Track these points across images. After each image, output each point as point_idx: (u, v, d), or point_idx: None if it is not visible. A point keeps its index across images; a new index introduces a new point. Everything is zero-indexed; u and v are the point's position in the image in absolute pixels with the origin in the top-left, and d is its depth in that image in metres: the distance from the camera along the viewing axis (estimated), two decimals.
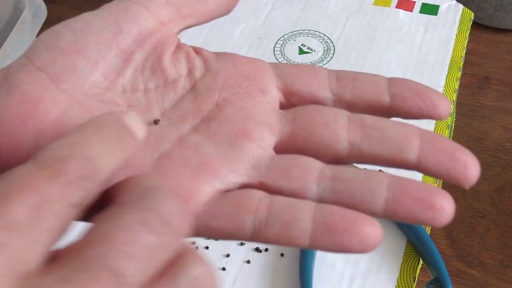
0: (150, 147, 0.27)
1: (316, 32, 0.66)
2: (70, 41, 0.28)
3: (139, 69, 0.29)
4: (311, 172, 0.25)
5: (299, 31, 0.66)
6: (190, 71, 0.30)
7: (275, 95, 0.29)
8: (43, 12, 0.61)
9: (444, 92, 0.59)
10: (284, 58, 0.64)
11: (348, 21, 0.67)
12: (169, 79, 0.29)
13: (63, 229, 0.21)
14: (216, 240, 0.51)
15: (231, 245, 0.51)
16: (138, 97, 0.29)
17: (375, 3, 0.69)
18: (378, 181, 0.25)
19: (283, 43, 0.65)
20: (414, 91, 0.27)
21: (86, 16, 0.29)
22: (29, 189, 0.20)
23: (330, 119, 0.27)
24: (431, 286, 0.47)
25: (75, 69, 0.28)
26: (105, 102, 0.28)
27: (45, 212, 0.20)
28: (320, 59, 0.63)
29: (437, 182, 0.55)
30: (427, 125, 0.57)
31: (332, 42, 0.65)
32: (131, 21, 0.29)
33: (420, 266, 0.49)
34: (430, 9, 0.68)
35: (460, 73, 0.62)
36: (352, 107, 0.28)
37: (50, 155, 0.21)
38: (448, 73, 0.61)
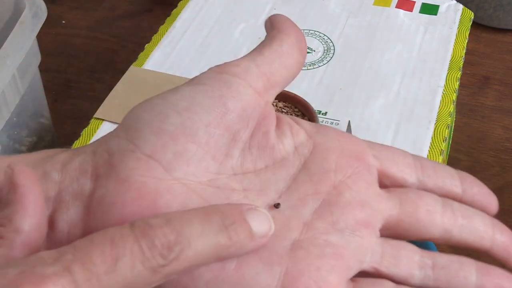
0: (278, 235, 0.26)
1: (316, 32, 0.66)
2: (177, 124, 0.26)
3: (246, 148, 0.28)
4: (415, 260, 0.28)
5: None
6: (297, 148, 0.29)
7: (376, 176, 0.30)
8: (43, 12, 0.61)
9: (444, 92, 0.59)
10: None
11: (348, 21, 0.67)
12: (278, 158, 0.28)
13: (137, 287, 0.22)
14: None
15: None
16: (250, 178, 0.28)
17: (375, 3, 0.69)
18: (469, 269, 0.29)
19: None
20: (478, 188, 0.31)
21: (187, 92, 0.27)
22: (114, 242, 0.22)
23: (431, 207, 0.29)
24: None
25: (186, 155, 0.26)
26: (220, 188, 0.27)
27: (122, 264, 0.21)
28: (320, 59, 0.63)
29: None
30: (427, 125, 0.57)
31: (332, 42, 0.65)
32: (236, 97, 0.27)
33: None
34: (430, 9, 0.68)
35: (460, 73, 0.62)
36: (431, 192, 0.30)
37: (145, 220, 0.22)
38: (448, 73, 0.61)
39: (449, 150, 0.69)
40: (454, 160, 0.70)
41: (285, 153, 0.28)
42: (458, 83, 0.62)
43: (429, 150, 0.55)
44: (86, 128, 0.57)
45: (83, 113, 0.68)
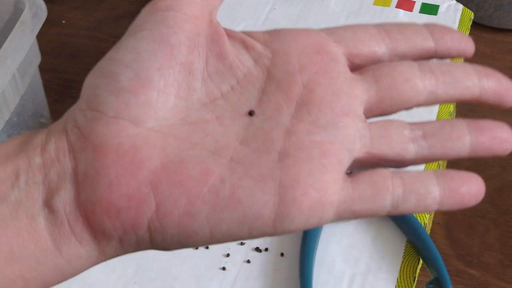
0: (263, 149, 0.26)
1: None
2: (131, 78, 0.26)
3: (206, 76, 0.28)
4: (405, 135, 0.28)
5: None
6: (257, 60, 0.29)
7: (344, 62, 0.29)
8: (43, 12, 0.61)
9: None
10: None
11: (348, 21, 0.67)
12: (240, 76, 0.28)
13: None
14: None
15: (231, 245, 0.51)
16: (220, 104, 0.28)
17: (375, 3, 0.69)
18: (461, 128, 0.28)
19: None
20: (450, 35, 0.30)
21: (130, 44, 0.27)
22: None
23: (408, 75, 0.29)
24: (431, 285, 0.47)
25: (150, 103, 0.26)
26: (194, 123, 0.27)
27: None
28: None
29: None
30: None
31: None
32: (176, 31, 0.27)
33: (420, 265, 0.49)
34: (430, 9, 0.68)
35: None
36: (405, 57, 0.30)
37: None
38: None
39: None
40: (454, 160, 0.70)
41: (245, 69, 0.28)
42: None
43: None
44: None
45: None
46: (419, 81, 0.29)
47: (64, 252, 0.26)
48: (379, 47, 0.29)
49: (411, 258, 0.49)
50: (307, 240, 0.49)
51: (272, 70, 0.28)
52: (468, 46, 0.31)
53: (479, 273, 0.61)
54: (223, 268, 0.49)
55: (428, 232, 0.52)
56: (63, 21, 0.88)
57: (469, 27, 0.66)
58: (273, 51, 0.29)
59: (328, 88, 0.28)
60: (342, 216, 0.26)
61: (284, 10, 0.69)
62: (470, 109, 0.76)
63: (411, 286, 0.48)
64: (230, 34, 0.29)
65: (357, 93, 0.28)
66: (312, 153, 0.26)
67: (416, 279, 0.48)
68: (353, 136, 0.27)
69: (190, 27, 0.27)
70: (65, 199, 0.25)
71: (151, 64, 0.27)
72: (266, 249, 0.50)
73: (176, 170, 0.25)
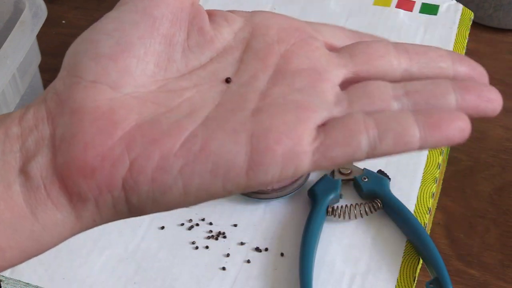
0: (236, 108, 0.27)
1: None
2: (112, 45, 0.27)
3: (186, 48, 0.29)
4: (387, 91, 0.28)
5: None
6: (237, 33, 0.30)
7: (322, 42, 0.30)
8: (43, 12, 0.61)
9: None
10: None
11: (348, 21, 0.67)
12: (220, 48, 0.29)
13: None
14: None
15: (231, 245, 0.51)
16: (198, 73, 0.29)
17: (375, 3, 0.69)
18: (445, 86, 0.28)
19: None
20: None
21: (113, 15, 0.28)
22: None
23: (383, 52, 0.29)
24: (431, 285, 0.47)
25: (129, 69, 0.27)
26: (171, 90, 0.28)
27: None
28: None
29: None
30: None
31: None
32: (160, 5, 0.28)
33: (420, 265, 0.49)
34: (430, 9, 0.68)
35: None
36: None
37: None
38: None
39: (449, 150, 0.69)
40: (454, 160, 0.70)
41: (225, 41, 0.29)
42: None
43: (429, 150, 0.55)
44: None
45: None
46: (394, 58, 0.29)
47: (41, 218, 0.26)
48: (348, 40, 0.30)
49: (411, 258, 0.49)
50: (307, 240, 0.49)
51: (251, 42, 0.29)
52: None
53: (479, 273, 0.61)
54: (223, 268, 0.49)
55: (428, 232, 0.52)
56: (63, 21, 0.88)
57: (469, 27, 0.66)
58: (253, 25, 0.30)
59: (305, 59, 0.29)
60: (320, 165, 0.26)
61: (284, 10, 0.68)
62: None
63: (411, 286, 0.48)
64: (212, 12, 0.30)
65: (334, 65, 0.29)
66: (287, 107, 0.27)
67: (416, 279, 0.48)
68: (330, 98, 0.27)
69: (173, 2, 0.29)
70: (41, 164, 0.26)
71: (132, 33, 0.27)
72: (266, 249, 0.50)
73: (150, 129, 0.26)
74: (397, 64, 0.29)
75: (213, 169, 0.26)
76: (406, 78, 0.29)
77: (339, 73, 0.29)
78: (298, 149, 0.26)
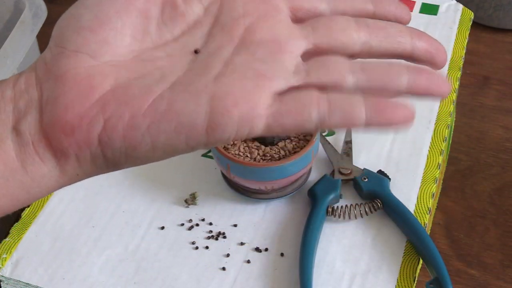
0: (201, 73, 0.30)
1: None
2: (92, 19, 0.30)
3: (160, 22, 0.32)
4: (344, 66, 0.30)
5: None
6: (207, 8, 0.32)
7: (287, 13, 0.32)
8: (43, 12, 0.61)
9: None
10: None
11: None
12: (191, 22, 0.32)
13: None
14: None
15: (231, 245, 0.51)
16: (171, 45, 0.31)
17: None
18: (399, 66, 0.30)
19: None
20: (389, 1, 0.33)
21: None
22: None
23: (344, 26, 0.31)
24: (431, 285, 0.47)
25: (108, 40, 0.30)
26: (146, 60, 0.31)
27: None
28: None
29: (438, 180, 0.55)
30: (427, 125, 0.57)
31: None
32: None
33: (420, 265, 0.49)
34: (430, 9, 0.68)
35: (460, 73, 0.62)
36: (345, 15, 0.33)
37: None
38: (448, 73, 0.61)
39: (449, 150, 0.69)
40: (454, 160, 0.70)
41: (196, 16, 0.32)
42: (458, 83, 0.62)
43: (429, 150, 0.55)
44: None
45: None
46: (354, 32, 0.31)
47: (29, 170, 0.30)
48: (320, 3, 0.33)
49: (411, 258, 0.49)
50: (307, 240, 0.49)
51: (219, 16, 0.32)
52: (404, 12, 0.33)
53: (479, 273, 0.61)
54: (223, 268, 0.49)
55: (428, 232, 0.52)
56: None
57: (469, 27, 0.66)
58: (222, 0, 0.32)
59: (268, 31, 0.31)
60: (272, 129, 0.29)
61: None
62: (470, 109, 0.76)
63: (411, 286, 0.48)
64: None
65: (295, 38, 0.31)
66: (247, 74, 0.29)
67: (416, 279, 0.48)
68: (289, 68, 0.30)
69: None
70: (30, 123, 0.30)
71: (111, 7, 0.31)
72: (266, 249, 0.50)
73: (123, 92, 0.29)
74: (357, 38, 0.31)
75: (176, 127, 0.29)
76: (366, 51, 0.31)
77: (300, 45, 0.31)
78: (254, 113, 0.29)
